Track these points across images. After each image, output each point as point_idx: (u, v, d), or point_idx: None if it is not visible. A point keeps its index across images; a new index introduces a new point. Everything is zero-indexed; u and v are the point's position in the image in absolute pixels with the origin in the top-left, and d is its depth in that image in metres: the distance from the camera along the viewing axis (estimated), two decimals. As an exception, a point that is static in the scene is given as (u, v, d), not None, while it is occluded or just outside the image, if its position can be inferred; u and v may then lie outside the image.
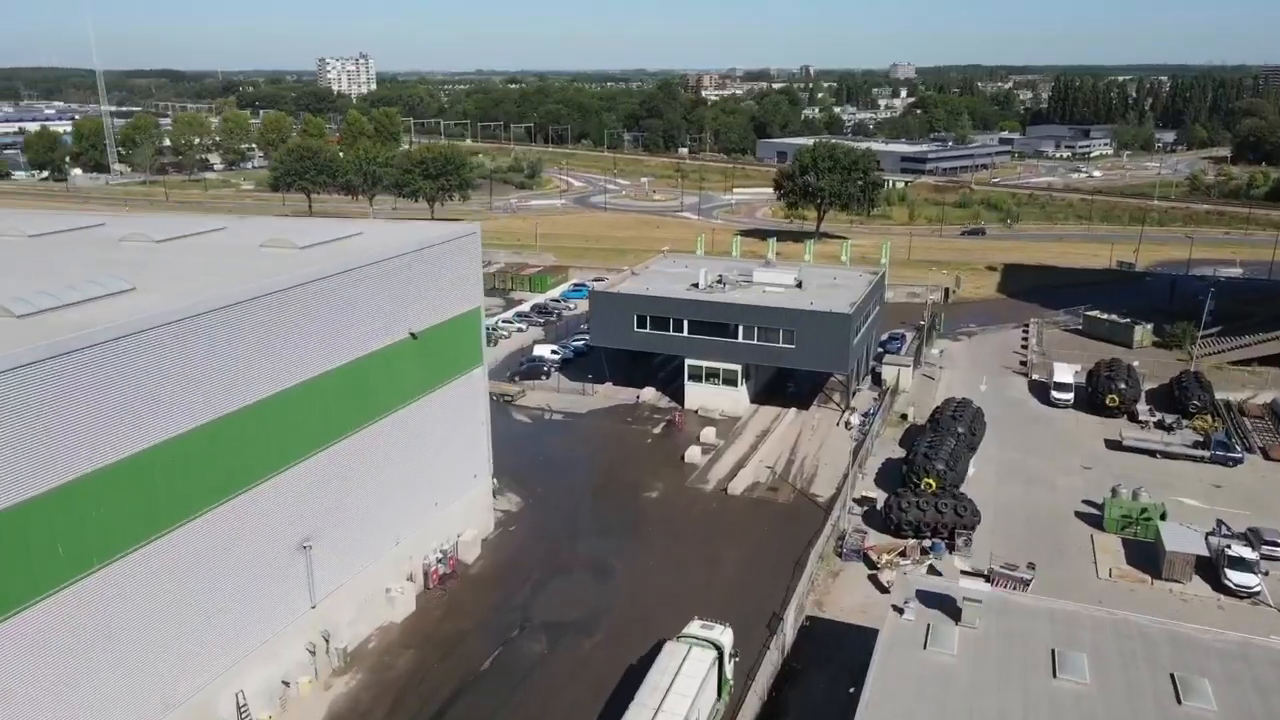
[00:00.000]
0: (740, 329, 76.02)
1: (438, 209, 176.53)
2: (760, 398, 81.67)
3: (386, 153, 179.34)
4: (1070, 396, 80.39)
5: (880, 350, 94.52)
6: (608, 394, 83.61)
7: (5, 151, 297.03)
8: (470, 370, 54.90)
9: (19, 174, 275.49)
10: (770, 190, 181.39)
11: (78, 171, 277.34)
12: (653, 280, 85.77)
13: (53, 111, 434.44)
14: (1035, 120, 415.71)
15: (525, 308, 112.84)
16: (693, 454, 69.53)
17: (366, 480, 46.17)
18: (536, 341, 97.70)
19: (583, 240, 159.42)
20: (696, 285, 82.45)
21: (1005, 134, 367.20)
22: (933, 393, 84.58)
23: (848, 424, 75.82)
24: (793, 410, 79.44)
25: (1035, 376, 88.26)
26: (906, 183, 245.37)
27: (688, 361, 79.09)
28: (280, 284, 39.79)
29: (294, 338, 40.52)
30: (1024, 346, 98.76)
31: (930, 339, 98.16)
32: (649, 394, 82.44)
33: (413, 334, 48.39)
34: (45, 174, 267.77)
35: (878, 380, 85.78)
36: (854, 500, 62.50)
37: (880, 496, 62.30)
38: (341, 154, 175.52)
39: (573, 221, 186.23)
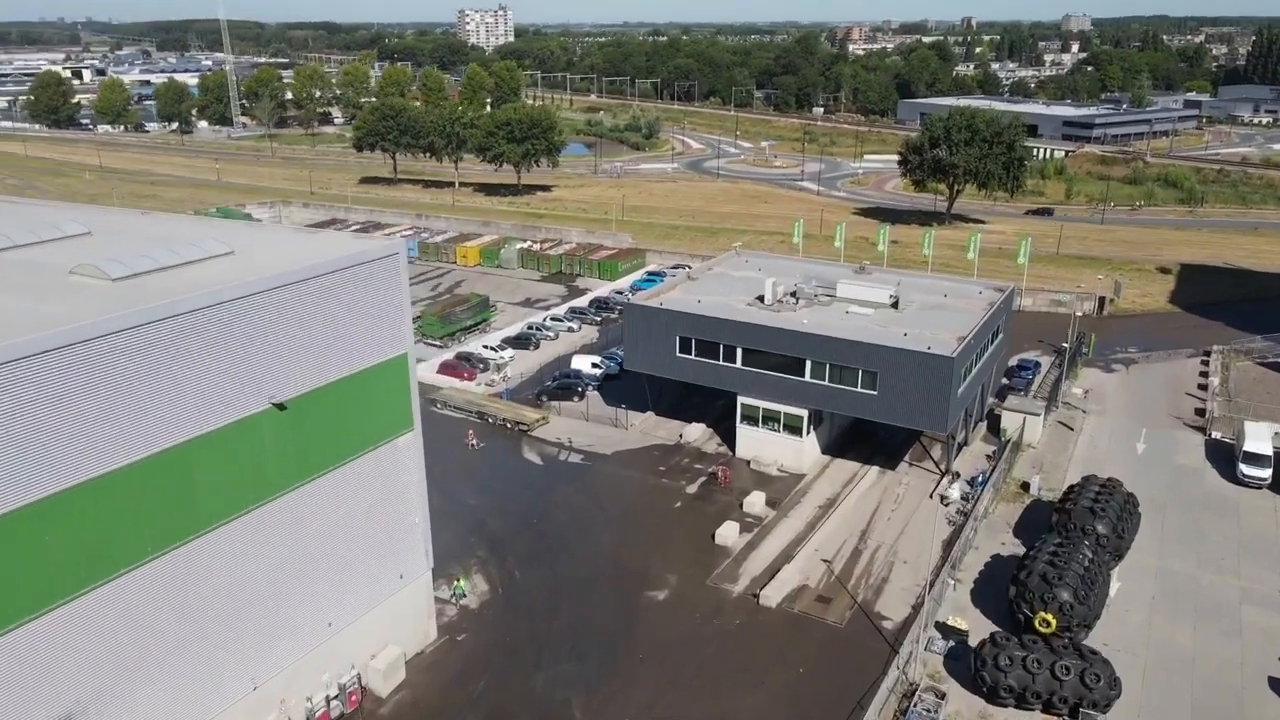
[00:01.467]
0: (809, 365, 58.41)
1: (528, 174, 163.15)
2: (835, 446, 63.94)
3: (473, 113, 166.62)
4: (1268, 473, 58.89)
5: (1004, 384, 74.34)
6: (645, 428, 67.76)
7: (146, 103, 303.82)
8: (393, 438, 40.30)
9: (152, 126, 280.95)
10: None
11: (204, 124, 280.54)
12: (709, 288, 68.77)
13: (210, 64, 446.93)
14: (1229, 80, 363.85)
15: (584, 301, 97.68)
16: (727, 533, 53.04)
17: (194, 611, 32.50)
18: (579, 350, 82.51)
19: (675, 216, 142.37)
20: (762, 299, 65.02)
21: (1192, 96, 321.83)
22: (1069, 449, 64.44)
23: (944, 497, 57.27)
24: (874, 469, 61.38)
25: (1217, 435, 66.34)
26: (1067, 152, 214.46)
27: (741, 400, 62.16)
28: (24, 347, 26.07)
29: (54, 421, 26.90)
30: (1202, 386, 75.98)
31: (1073, 369, 76.99)
32: (696, 432, 66.07)
33: (278, 404, 34.03)
34: (174, 126, 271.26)
35: (995, 428, 66.30)
36: (936, 628, 44.89)
37: (974, 626, 44.44)
38: (426, 110, 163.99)
39: (672, 192, 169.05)
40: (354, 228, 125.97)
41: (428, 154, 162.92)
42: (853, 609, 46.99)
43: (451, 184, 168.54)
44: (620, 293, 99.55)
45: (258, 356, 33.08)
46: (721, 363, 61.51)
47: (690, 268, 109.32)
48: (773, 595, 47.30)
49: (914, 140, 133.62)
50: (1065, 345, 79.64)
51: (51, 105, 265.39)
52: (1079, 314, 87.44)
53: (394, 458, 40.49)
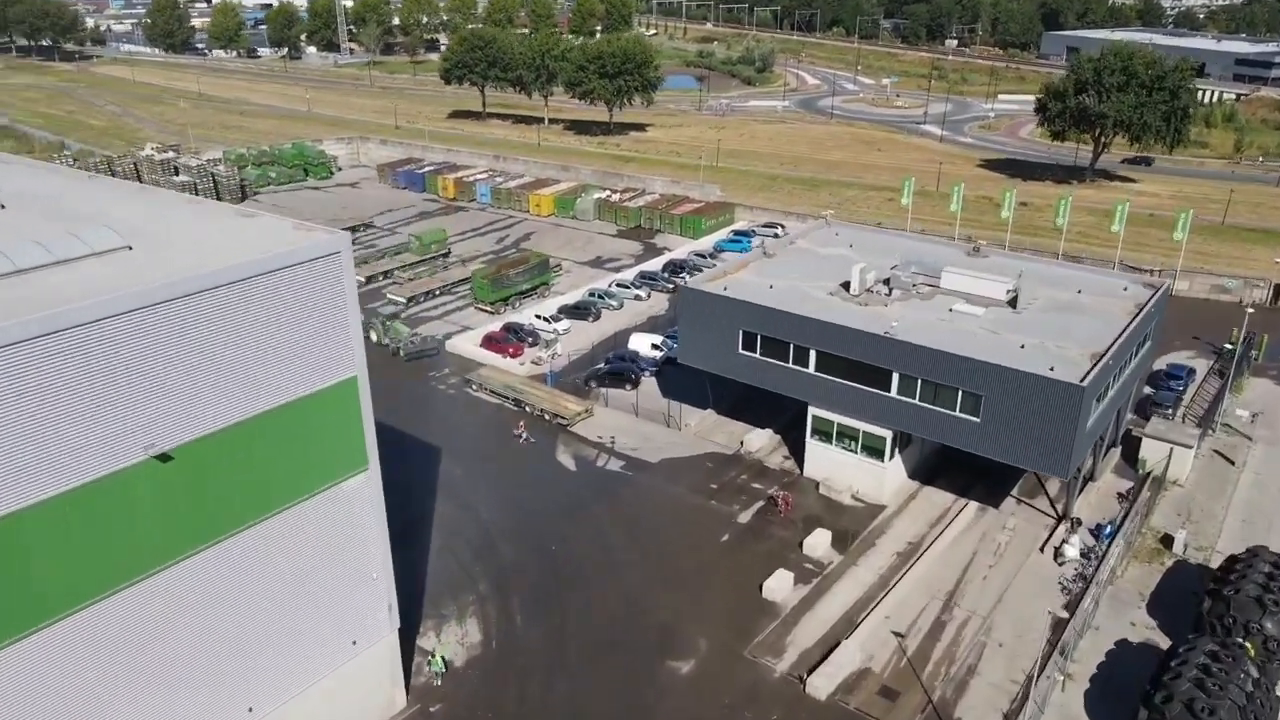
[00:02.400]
0: (896, 378, 47.35)
1: (621, 113, 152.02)
2: (925, 469, 52.97)
3: (565, 44, 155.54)
4: None
5: (1146, 394, 61.09)
6: (702, 430, 58.20)
7: (260, 28, 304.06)
8: (341, 481, 32.11)
9: (264, 51, 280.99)
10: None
11: (311, 50, 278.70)
12: (786, 269, 57.77)
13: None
14: None
15: (657, 264, 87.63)
16: (778, 585, 43.43)
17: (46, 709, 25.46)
18: (641, 327, 72.94)
19: (776, 164, 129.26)
20: (847, 287, 53.83)
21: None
22: (1227, 493, 51.63)
23: (1059, 552, 45.92)
24: (972, 506, 50.25)
25: None
26: (1238, 96, 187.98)
27: (812, 411, 51.69)
28: None
29: None
30: (1407, 411, 60.82)
31: (1238, 380, 62.87)
32: (760, 441, 56.15)
33: (161, 455, 26.12)
34: (283, 52, 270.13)
35: (1131, 457, 53.86)
36: (1035, 752, 34.62)
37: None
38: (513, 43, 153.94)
39: (777, 135, 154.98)
40: (427, 168, 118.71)
41: (516, 88, 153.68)
42: (925, 712, 36.95)
43: (541, 120, 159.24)
44: (701, 255, 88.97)
45: (137, 391, 25.13)
46: (791, 365, 51.01)
47: (782, 228, 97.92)
48: (823, 684, 37.64)
49: (1056, 84, 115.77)
50: (1228, 346, 65.36)
51: (167, 29, 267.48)
52: (1248, 306, 72.05)
53: (343, 505, 32.38)
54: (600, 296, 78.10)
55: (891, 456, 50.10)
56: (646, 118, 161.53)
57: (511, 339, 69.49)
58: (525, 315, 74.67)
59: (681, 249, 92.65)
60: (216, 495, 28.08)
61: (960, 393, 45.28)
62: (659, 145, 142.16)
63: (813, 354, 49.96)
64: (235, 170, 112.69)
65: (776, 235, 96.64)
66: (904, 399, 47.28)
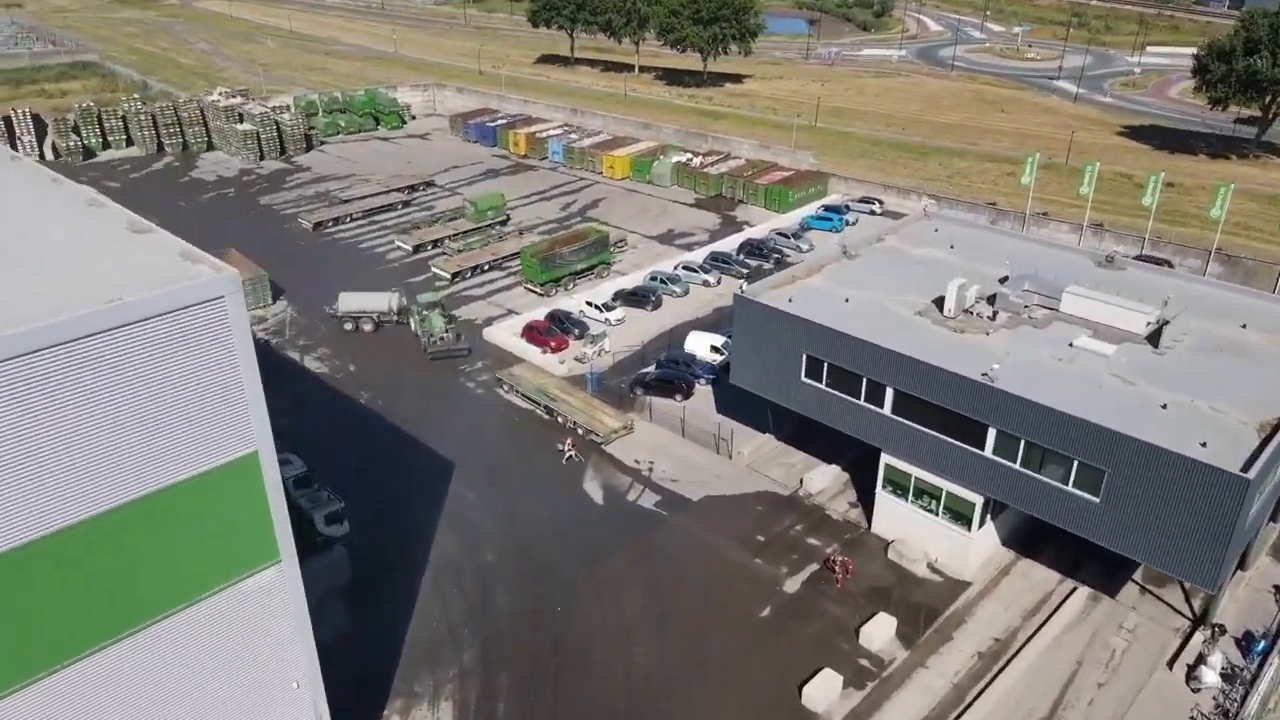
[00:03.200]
0: (992, 435, 37.66)
1: (714, 63, 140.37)
2: (1022, 537, 43.17)
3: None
4: None
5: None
6: (757, 460, 49.58)
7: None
8: (245, 577, 25.18)
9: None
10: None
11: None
12: (870, 275, 47.98)
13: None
14: None
15: (732, 243, 78.09)
16: (823, 691, 35.02)
17: None
18: (702, 324, 64.15)
19: (882, 124, 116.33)
20: (941, 305, 43.90)
21: None
22: None
23: (1194, 672, 35.92)
24: (1081, 593, 40.38)
25: None
26: None
27: (885, 459, 42.43)
28: None
29: None
30: None
31: None
32: (824, 480, 47.26)
33: (-43, 571, 19.53)
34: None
35: (1295, 538, 42.77)
36: None
37: None
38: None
39: (887, 91, 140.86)
40: (500, 121, 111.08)
41: (606, 33, 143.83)
42: None
43: (632, 69, 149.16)
44: (784, 234, 78.97)
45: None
46: (863, 403, 41.76)
47: (879, 204, 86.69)
48: None
49: (1221, 43, 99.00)
50: None
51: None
52: None
53: (250, 605, 25.51)
54: (663, 281, 69.44)
55: (981, 524, 40.59)
56: (745, 67, 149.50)
57: (554, 330, 61.88)
58: (576, 300, 66.84)
59: (763, 225, 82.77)
60: (66, 608, 21.51)
61: (1075, 464, 35.35)
62: (755, 100, 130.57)
63: (889, 393, 40.56)
64: (301, 118, 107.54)
65: (873, 212, 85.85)
66: (1001, 461, 37.60)
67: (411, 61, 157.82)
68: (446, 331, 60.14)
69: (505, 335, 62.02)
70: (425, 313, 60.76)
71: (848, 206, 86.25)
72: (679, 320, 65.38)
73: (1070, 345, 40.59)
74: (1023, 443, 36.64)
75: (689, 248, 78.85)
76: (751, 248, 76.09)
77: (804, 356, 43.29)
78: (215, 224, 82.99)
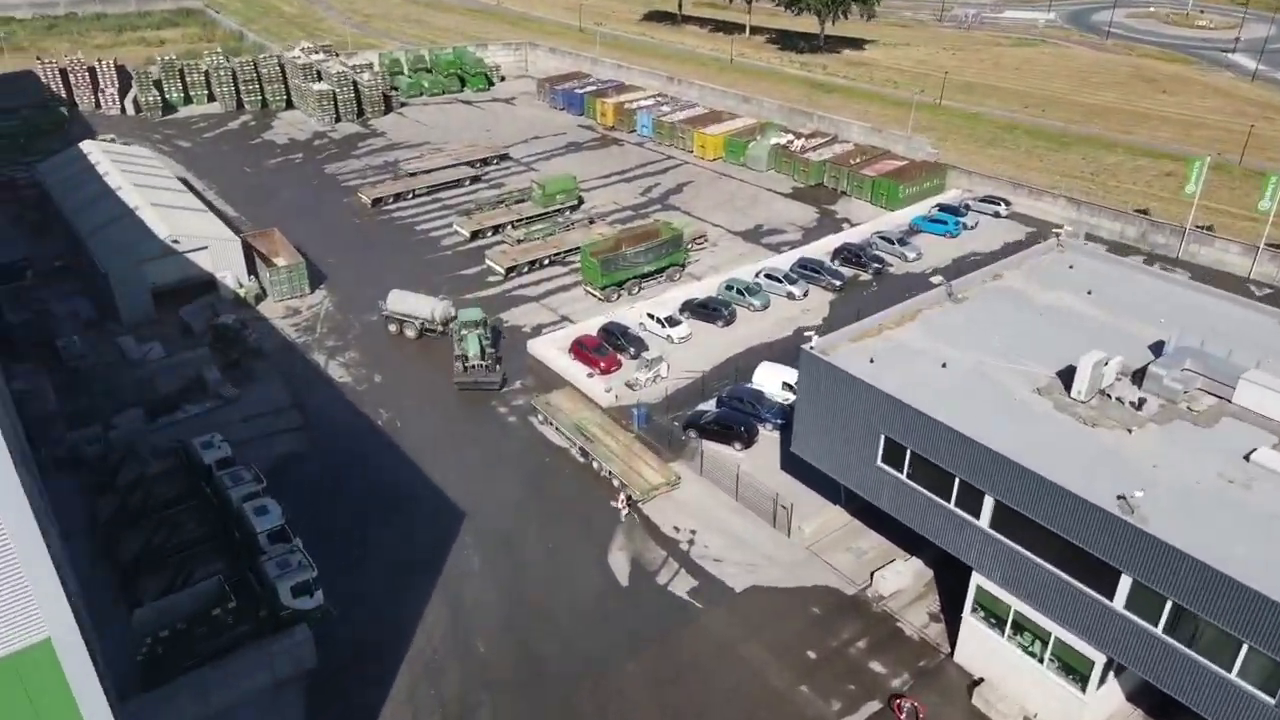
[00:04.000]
0: (1126, 584, 28.03)
1: (834, 27, 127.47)
2: (1153, 698, 33.28)
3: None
4: None
5: None
6: (821, 541, 40.93)
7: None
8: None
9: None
10: None
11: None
12: (975, 331, 38.12)
13: None
14: None
15: (827, 246, 68.12)
16: None
17: None
18: (777, 347, 55.08)
19: (1018, 104, 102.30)
20: (1068, 381, 33.91)
21: None
22: None
23: None
24: (1230, 788, 30.51)
25: None
26: None
27: (977, 579, 33.13)
28: None
29: None
30: None
31: None
32: (899, 580, 38.31)
33: None
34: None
35: None
36: None
37: None
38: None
39: (1029, 63, 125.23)
40: (589, 87, 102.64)
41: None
42: None
43: (743, 29, 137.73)
44: (888, 238, 68.47)
45: None
46: (953, 508, 32.58)
47: (1005, 205, 74.79)
48: None
49: None
50: None
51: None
52: None
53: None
54: (739, 291, 60.50)
55: (1101, 683, 31.09)
56: (868, 31, 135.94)
57: (605, 349, 54.10)
58: (638, 311, 58.80)
59: (866, 225, 72.31)
60: None
61: (1244, 648, 25.59)
62: (874, 70, 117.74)
63: (988, 502, 31.24)
64: (381, 78, 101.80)
65: (997, 214, 74.26)
66: (1137, 620, 28.02)
67: (513, 16, 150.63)
68: (483, 359, 51.92)
69: (551, 350, 54.61)
70: (464, 332, 52.61)
71: (967, 206, 74.72)
72: (753, 342, 56.60)
73: (1247, 459, 30.25)
74: (1169, 603, 26.99)
75: (777, 249, 69.35)
76: (848, 253, 66.07)
77: (882, 438, 34.27)
78: (272, 194, 78.32)
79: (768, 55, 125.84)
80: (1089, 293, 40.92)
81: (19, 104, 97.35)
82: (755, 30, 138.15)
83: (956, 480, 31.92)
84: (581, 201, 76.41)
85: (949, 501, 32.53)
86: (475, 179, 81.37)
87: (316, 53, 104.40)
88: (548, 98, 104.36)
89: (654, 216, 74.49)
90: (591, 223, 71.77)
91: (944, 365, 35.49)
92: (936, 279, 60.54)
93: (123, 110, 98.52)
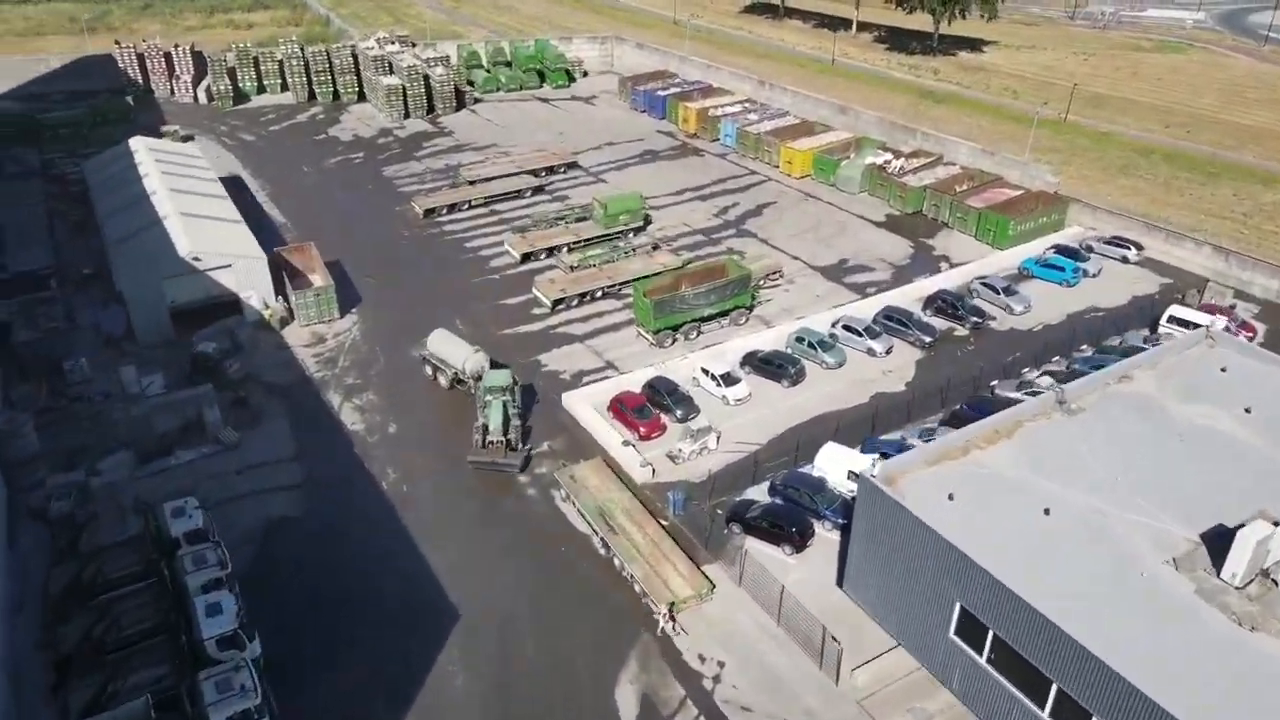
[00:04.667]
0: None
1: (948, 27, 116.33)
2: None
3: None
4: None
5: None
6: (876, 695, 33.10)
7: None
8: None
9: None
10: None
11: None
12: (1089, 459, 29.76)
13: None
14: None
15: (919, 292, 59.41)
16: None
17: None
18: (844, 424, 47.04)
19: (1157, 122, 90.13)
20: (1219, 562, 25.41)
21: None
22: None
23: None
24: None
25: None
26: None
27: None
28: None
29: None
30: None
31: None
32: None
33: None
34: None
35: None
36: None
37: None
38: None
39: (1173, 72, 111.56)
40: (673, 89, 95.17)
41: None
42: None
43: (849, 25, 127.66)
44: (991, 285, 59.33)
45: None
46: (1045, 716, 24.70)
47: (1134, 249, 64.47)
48: None
49: None
50: None
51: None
52: None
53: None
54: (811, 345, 52.70)
55: None
56: (989, 30, 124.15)
57: (648, 410, 47.22)
58: (692, 362, 51.71)
59: (967, 267, 63.18)
60: None
61: None
62: (991, 77, 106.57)
63: (1098, 726, 23.29)
64: (457, 72, 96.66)
65: (1125, 259, 64.22)
66: None
67: (605, 5, 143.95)
68: (506, 434, 44.43)
69: (588, 408, 48.04)
70: (487, 398, 45.38)
71: (1089, 248, 64.73)
72: (822, 408, 48.84)
73: None
74: None
75: (861, 290, 61.04)
76: (943, 302, 57.33)
77: (957, 606, 26.58)
78: (324, 198, 73.97)
79: (873, 56, 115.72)
80: (1247, 410, 32.01)
81: (97, 88, 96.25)
82: (863, 27, 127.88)
83: (1054, 688, 24.09)
84: (649, 222, 69.51)
85: (1042, 710, 24.69)
86: (538, 189, 75.28)
87: (392, 43, 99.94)
88: (628, 98, 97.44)
89: (726, 244, 67.08)
90: (655, 249, 64.81)
91: (1046, 512, 27.49)
92: (1036, 326, 51.28)
93: (195, 99, 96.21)
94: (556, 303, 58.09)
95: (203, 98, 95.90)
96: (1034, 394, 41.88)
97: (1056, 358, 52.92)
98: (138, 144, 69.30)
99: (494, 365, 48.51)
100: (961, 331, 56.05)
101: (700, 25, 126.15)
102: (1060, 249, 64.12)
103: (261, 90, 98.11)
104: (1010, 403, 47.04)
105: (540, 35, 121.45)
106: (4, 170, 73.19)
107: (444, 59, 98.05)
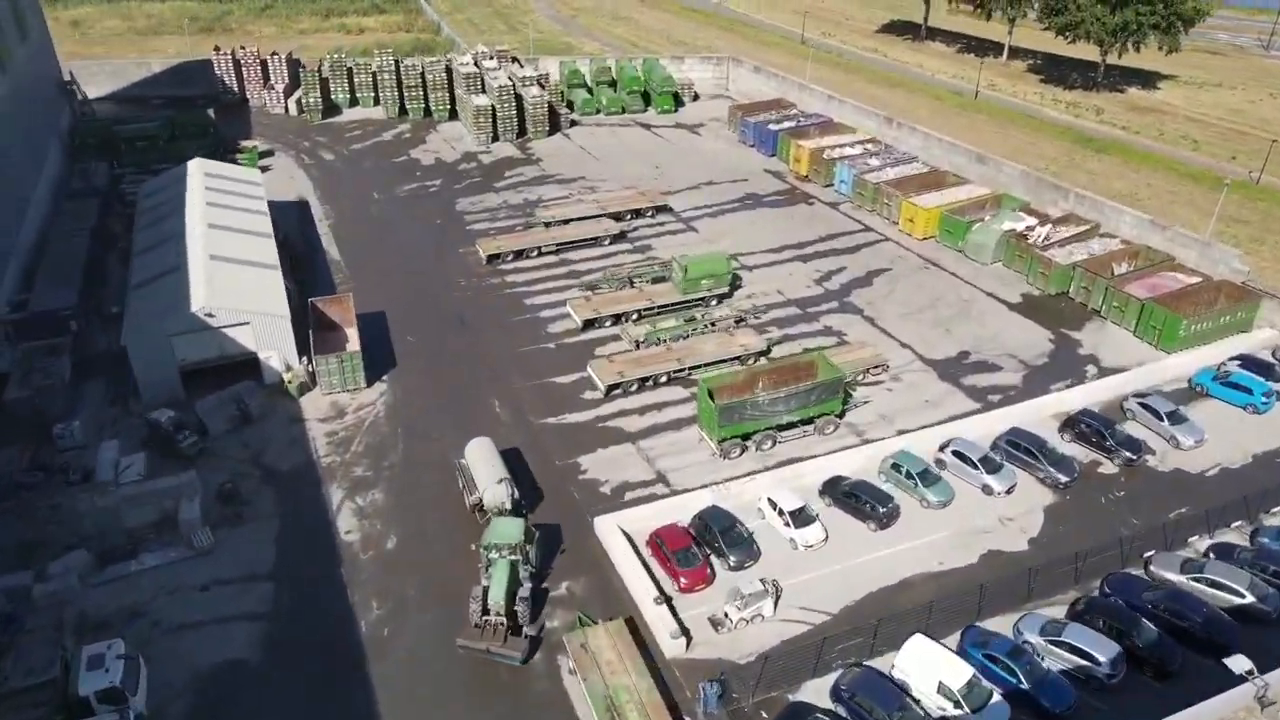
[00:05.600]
0: None
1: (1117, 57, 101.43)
2: None
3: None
4: None
5: None
6: None
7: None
8: None
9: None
10: None
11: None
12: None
13: None
14: None
15: (1053, 407, 47.89)
16: None
17: None
18: (949, 589, 36.63)
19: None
20: None
21: None
22: None
23: None
24: None
25: None
26: None
27: None
28: None
29: None
30: None
31: None
32: None
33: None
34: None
35: None
36: None
37: None
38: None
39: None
40: (786, 123, 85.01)
41: (974, 5, 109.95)
42: None
43: (999, 51, 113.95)
44: (1150, 406, 47.27)
45: None
46: None
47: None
48: None
49: None
50: None
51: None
52: None
53: None
54: (910, 475, 42.40)
55: None
56: (1166, 63, 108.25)
57: (694, 555, 38.17)
58: (759, 487, 42.29)
59: (1123, 376, 51.08)
60: None
61: None
62: (1168, 120, 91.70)
63: None
64: (556, 91, 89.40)
65: (1334, 384, 50.62)
66: None
67: (731, 18, 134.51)
68: (510, 609, 34.46)
69: (621, 541, 39.37)
70: (491, 556, 35.76)
71: (1284, 362, 51.69)
72: (916, 567, 38.77)
73: None
74: None
75: (981, 397, 50.00)
76: (1086, 427, 45.81)
77: None
78: (388, 232, 67.85)
79: (1025, 88, 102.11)
80: None
81: (196, 94, 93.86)
82: (1015, 53, 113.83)
83: None
84: (737, 286, 60.24)
85: None
86: (619, 236, 67.00)
87: (490, 58, 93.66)
88: (737, 129, 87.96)
89: (824, 320, 57.07)
90: (739, 323, 55.48)
91: None
92: (1214, 470, 39.39)
93: (286, 110, 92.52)
94: (612, 388, 49.65)
95: (294, 109, 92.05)
96: (1223, 667, 30.71)
97: (1238, 522, 41.03)
98: (195, 167, 64.75)
99: (513, 506, 39.77)
100: (1109, 468, 44.49)
101: (829, 45, 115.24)
102: (1247, 361, 51.24)
103: (354, 103, 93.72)
104: (1171, 591, 36.09)
105: (656, 50, 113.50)
106: (69, 187, 70.02)
107: (544, 77, 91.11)
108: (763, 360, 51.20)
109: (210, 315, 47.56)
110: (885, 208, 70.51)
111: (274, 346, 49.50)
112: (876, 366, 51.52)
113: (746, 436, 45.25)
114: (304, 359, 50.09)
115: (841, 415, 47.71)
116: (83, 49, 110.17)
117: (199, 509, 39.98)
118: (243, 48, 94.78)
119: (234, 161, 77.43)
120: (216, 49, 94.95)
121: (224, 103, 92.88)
